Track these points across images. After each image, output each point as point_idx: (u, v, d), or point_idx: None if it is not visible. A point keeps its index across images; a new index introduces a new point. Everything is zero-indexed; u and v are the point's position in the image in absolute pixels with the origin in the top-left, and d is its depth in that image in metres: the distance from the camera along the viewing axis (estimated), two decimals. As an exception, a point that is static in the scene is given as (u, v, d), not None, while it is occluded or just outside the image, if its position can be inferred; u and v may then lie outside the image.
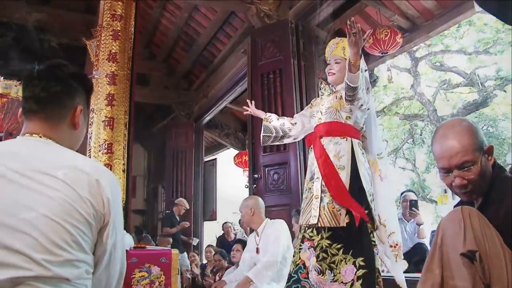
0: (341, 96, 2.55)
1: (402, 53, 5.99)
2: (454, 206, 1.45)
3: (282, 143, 3.02)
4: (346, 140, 2.46)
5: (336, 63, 2.66)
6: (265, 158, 4.60)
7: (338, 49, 2.71)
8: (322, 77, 5.50)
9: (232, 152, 9.71)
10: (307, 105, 4.38)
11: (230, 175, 9.91)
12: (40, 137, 1.14)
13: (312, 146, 2.61)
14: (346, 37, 2.37)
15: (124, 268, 1.18)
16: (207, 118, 8.24)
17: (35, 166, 1.04)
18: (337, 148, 2.44)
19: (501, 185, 1.35)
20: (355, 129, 2.52)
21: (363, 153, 2.49)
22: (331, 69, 2.67)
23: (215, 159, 9.05)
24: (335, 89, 2.72)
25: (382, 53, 4.65)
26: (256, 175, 4.60)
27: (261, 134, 2.88)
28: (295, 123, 2.85)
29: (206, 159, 9.22)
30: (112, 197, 1.09)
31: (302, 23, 4.85)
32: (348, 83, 2.32)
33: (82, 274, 1.02)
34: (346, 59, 2.61)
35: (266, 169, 4.57)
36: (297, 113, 4.35)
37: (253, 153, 4.77)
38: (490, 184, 1.38)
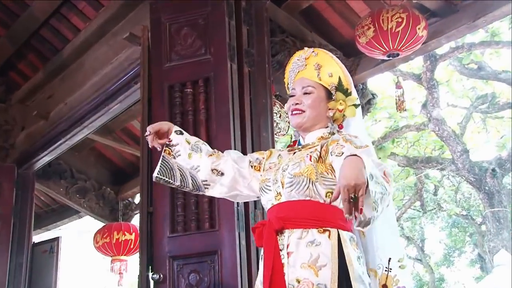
0: (318, 157, 2.79)
1: (423, 55, 6.55)
2: None
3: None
4: (329, 235, 2.65)
5: (305, 93, 2.96)
6: (174, 242, 4.72)
7: (308, 69, 3.06)
8: (277, 94, 5.93)
9: (91, 224, 9.69)
10: (254, 150, 4.71)
11: (86, 271, 9.87)
12: None
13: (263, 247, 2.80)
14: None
15: None
16: (44, 158, 8.26)
17: None
18: (313, 252, 2.62)
19: None
20: (342, 212, 2.69)
21: (359, 257, 2.71)
22: (297, 104, 2.96)
23: (57, 238, 9.01)
24: (303, 140, 3.01)
25: (389, 56, 5.13)
26: (155, 275, 4.70)
27: (155, 172, 3.06)
28: (222, 174, 3.07)
29: (38, 238, 9.16)
30: None
31: (247, -5, 5.20)
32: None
33: None
34: (323, 86, 2.97)
35: (175, 263, 4.66)
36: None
37: (149, 231, 4.87)
38: None
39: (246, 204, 4.62)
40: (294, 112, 2.93)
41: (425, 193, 15.50)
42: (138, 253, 9.10)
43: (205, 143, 3.21)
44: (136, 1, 6.16)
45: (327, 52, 3.10)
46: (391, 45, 5.05)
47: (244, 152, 4.68)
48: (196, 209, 4.71)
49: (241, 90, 4.95)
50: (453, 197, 16.70)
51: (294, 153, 2.93)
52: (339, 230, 2.66)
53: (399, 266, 2.82)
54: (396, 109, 6.07)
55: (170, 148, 3.05)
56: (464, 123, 13.50)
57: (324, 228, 2.65)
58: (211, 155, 3.10)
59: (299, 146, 2.97)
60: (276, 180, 2.82)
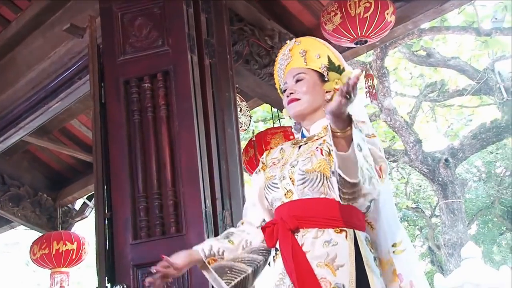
0: (329, 152, 2.76)
1: (389, 42, 6.62)
2: None
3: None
4: (346, 235, 2.69)
5: (297, 80, 2.99)
6: (138, 249, 4.66)
7: (295, 59, 3.09)
8: (236, 86, 5.93)
9: (20, 235, 9.54)
10: (219, 147, 4.70)
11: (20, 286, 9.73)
12: None
13: (277, 249, 2.83)
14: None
15: None
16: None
17: None
18: (329, 252, 2.65)
19: None
20: (358, 211, 2.79)
21: (375, 258, 2.79)
22: (291, 94, 2.97)
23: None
24: (307, 132, 3.01)
25: (356, 43, 5.18)
26: (118, 287, 4.66)
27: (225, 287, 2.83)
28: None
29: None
30: None
31: (205, -17, 5.18)
32: (342, 176, 2.47)
33: None
34: (313, 70, 3.00)
35: (140, 272, 4.60)
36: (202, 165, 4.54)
37: (107, 238, 4.86)
38: None
39: (214, 205, 4.57)
40: (290, 102, 2.93)
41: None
42: (80, 264, 9.16)
43: None
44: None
45: (310, 37, 3.15)
46: (359, 32, 5.10)
47: (209, 150, 4.72)
48: (161, 212, 4.62)
49: (203, 84, 4.90)
50: (402, 189, 16.86)
51: (300, 146, 2.93)
52: (355, 230, 2.69)
53: (393, 252, 2.84)
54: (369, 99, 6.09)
55: (212, 258, 2.89)
56: (413, 112, 13.67)
57: (340, 228, 2.67)
58: (242, 223, 3.09)
59: (304, 139, 2.96)
60: (284, 177, 2.83)
